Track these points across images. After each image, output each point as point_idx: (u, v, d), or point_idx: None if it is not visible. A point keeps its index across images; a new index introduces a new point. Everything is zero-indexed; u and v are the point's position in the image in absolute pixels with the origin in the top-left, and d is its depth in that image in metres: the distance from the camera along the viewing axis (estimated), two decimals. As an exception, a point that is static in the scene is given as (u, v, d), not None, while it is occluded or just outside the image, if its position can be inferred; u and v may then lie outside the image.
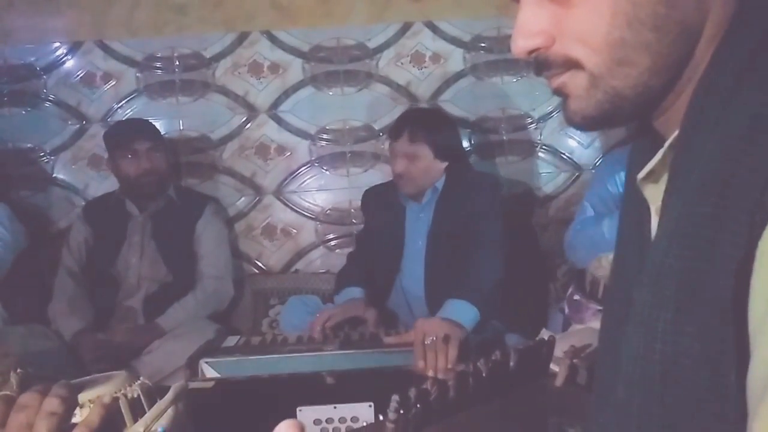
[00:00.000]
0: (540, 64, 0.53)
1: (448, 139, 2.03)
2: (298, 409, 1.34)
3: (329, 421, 1.34)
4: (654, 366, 0.45)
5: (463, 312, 1.63)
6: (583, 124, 0.53)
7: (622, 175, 1.97)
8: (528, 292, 2.04)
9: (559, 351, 0.91)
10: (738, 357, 0.40)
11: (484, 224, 1.87)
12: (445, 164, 1.98)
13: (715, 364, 0.41)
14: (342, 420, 1.34)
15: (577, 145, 2.50)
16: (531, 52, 0.52)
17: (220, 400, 1.38)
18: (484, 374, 0.76)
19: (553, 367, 0.90)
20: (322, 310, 1.84)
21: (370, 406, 1.35)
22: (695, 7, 0.48)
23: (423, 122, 2.00)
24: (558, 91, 0.53)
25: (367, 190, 2.22)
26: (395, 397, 0.66)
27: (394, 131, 2.00)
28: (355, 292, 1.95)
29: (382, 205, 2.11)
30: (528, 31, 0.51)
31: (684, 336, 0.43)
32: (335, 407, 1.33)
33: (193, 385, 1.38)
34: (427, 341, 1.44)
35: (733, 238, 0.40)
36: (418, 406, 0.67)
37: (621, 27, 0.48)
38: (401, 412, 0.66)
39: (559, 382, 0.89)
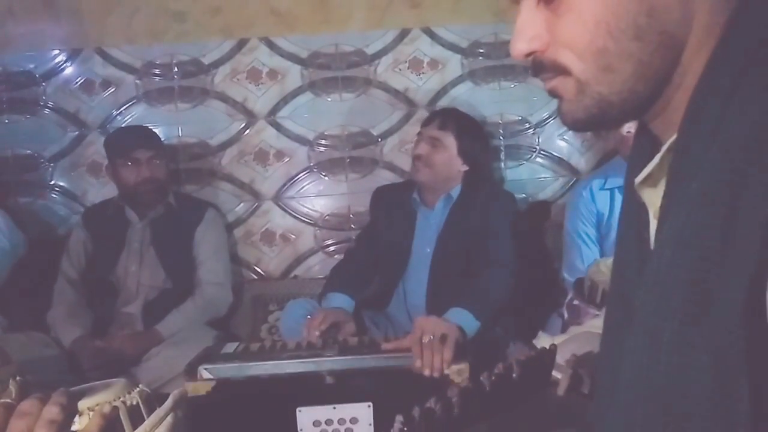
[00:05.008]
0: (536, 66, 0.55)
1: (476, 141, 2.04)
2: (297, 409, 1.35)
3: (329, 422, 1.35)
4: (659, 377, 0.44)
5: (464, 321, 1.63)
6: (574, 125, 0.55)
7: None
8: (531, 297, 2.02)
9: (560, 358, 0.90)
10: (751, 370, 0.40)
11: (496, 242, 1.86)
12: (465, 168, 1.98)
13: (725, 377, 0.40)
14: (341, 421, 1.35)
15: (575, 150, 2.51)
16: (528, 55, 0.54)
17: (219, 405, 1.38)
18: (487, 389, 0.75)
19: (555, 374, 0.90)
20: (315, 314, 1.81)
21: (369, 406, 1.35)
22: (678, 17, 0.49)
23: (456, 116, 2.05)
24: (551, 93, 0.56)
25: (378, 188, 2.21)
26: (399, 418, 0.66)
27: (426, 119, 2.06)
28: (341, 300, 1.89)
29: (393, 207, 2.09)
30: (525, 35, 0.53)
31: (691, 348, 0.42)
32: (334, 407, 1.35)
33: (192, 385, 1.38)
34: (425, 339, 1.45)
35: (745, 254, 0.40)
36: (423, 425, 0.66)
37: (603, 36, 0.49)
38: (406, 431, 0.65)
39: (561, 391, 0.88)
